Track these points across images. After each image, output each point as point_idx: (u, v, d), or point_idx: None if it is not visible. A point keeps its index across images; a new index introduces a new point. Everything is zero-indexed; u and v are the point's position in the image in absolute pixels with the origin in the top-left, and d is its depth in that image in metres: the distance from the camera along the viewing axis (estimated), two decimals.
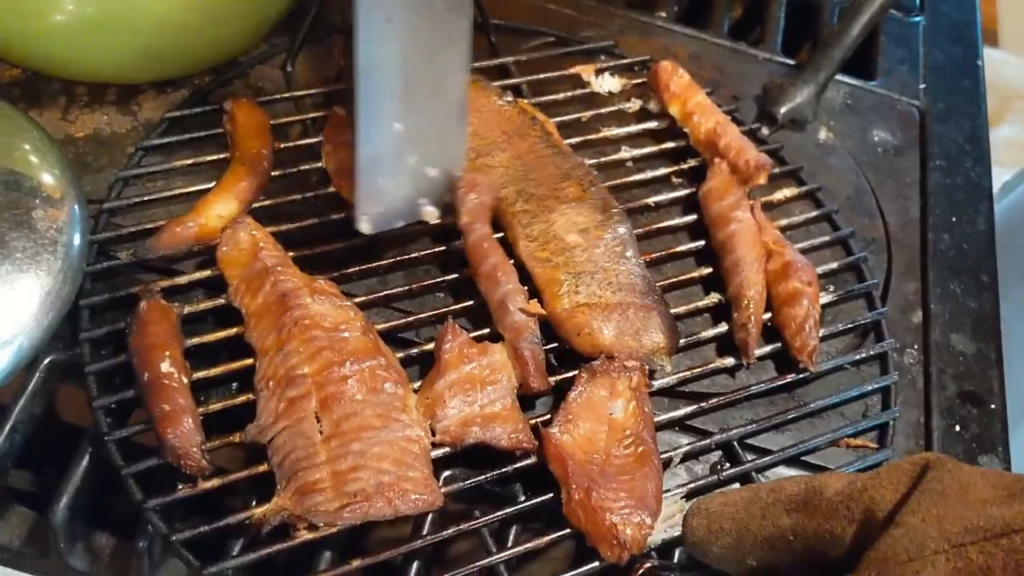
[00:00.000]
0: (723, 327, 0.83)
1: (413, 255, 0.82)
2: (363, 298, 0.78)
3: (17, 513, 0.73)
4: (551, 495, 0.71)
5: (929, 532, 0.49)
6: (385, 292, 0.79)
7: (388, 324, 0.77)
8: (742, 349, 0.81)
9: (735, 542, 0.58)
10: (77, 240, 0.73)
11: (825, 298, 0.87)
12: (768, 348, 0.83)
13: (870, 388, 0.84)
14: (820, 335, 0.83)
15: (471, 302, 0.80)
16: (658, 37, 1.07)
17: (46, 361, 0.72)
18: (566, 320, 0.78)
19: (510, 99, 0.93)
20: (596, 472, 0.70)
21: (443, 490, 0.69)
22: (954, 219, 1.01)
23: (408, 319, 0.78)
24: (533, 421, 0.73)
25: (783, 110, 1.00)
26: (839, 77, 1.07)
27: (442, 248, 0.83)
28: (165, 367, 0.69)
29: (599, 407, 0.73)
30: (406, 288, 0.80)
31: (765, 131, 0.99)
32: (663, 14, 1.12)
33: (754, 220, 0.87)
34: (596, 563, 0.68)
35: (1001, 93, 2.65)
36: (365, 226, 0.79)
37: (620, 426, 0.73)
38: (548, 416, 0.74)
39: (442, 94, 0.80)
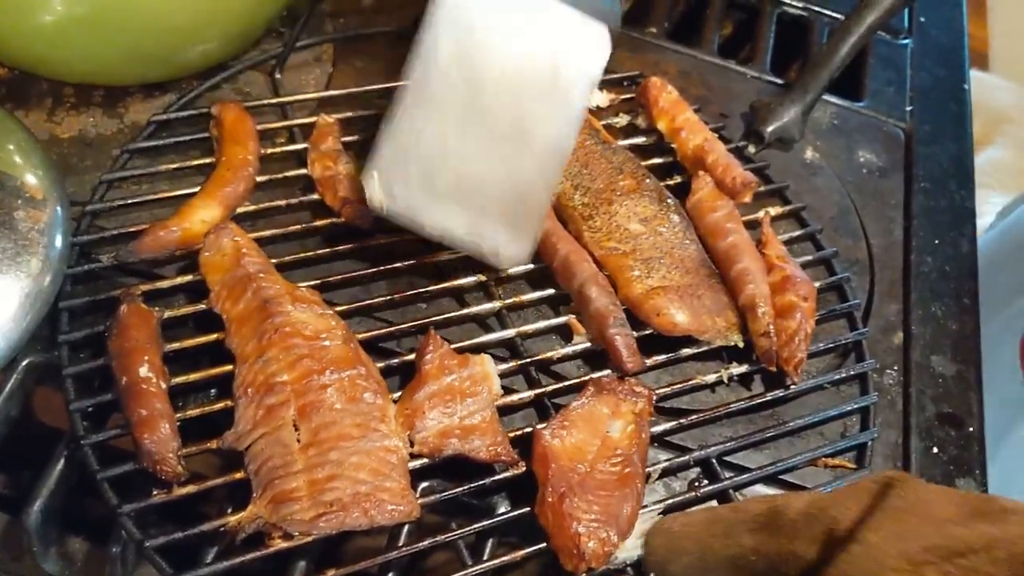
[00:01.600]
0: (704, 345, 0.83)
1: (396, 265, 0.82)
2: (345, 307, 0.77)
3: None
4: (528, 509, 0.71)
5: (888, 551, 0.50)
6: (367, 301, 0.79)
7: (370, 333, 0.77)
8: (764, 356, 0.81)
9: (698, 562, 0.59)
10: (59, 242, 0.73)
11: None
12: (749, 366, 0.83)
13: (849, 408, 0.84)
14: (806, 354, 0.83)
15: (453, 313, 0.80)
16: (648, 53, 1.07)
17: (24, 363, 0.72)
18: (643, 303, 0.81)
19: None
20: (576, 481, 0.70)
21: (420, 501, 0.68)
22: (937, 241, 1.02)
23: (390, 328, 0.78)
24: (513, 434, 0.73)
25: (770, 128, 1.00)
26: (826, 97, 1.08)
27: (427, 259, 0.83)
28: (144, 372, 0.68)
29: (598, 422, 0.74)
30: (388, 297, 0.80)
31: (752, 149, 0.99)
32: (654, 30, 1.12)
33: (746, 232, 0.88)
34: None
35: (990, 115, 2.66)
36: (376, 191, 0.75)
37: (613, 444, 0.73)
38: (529, 428, 0.74)
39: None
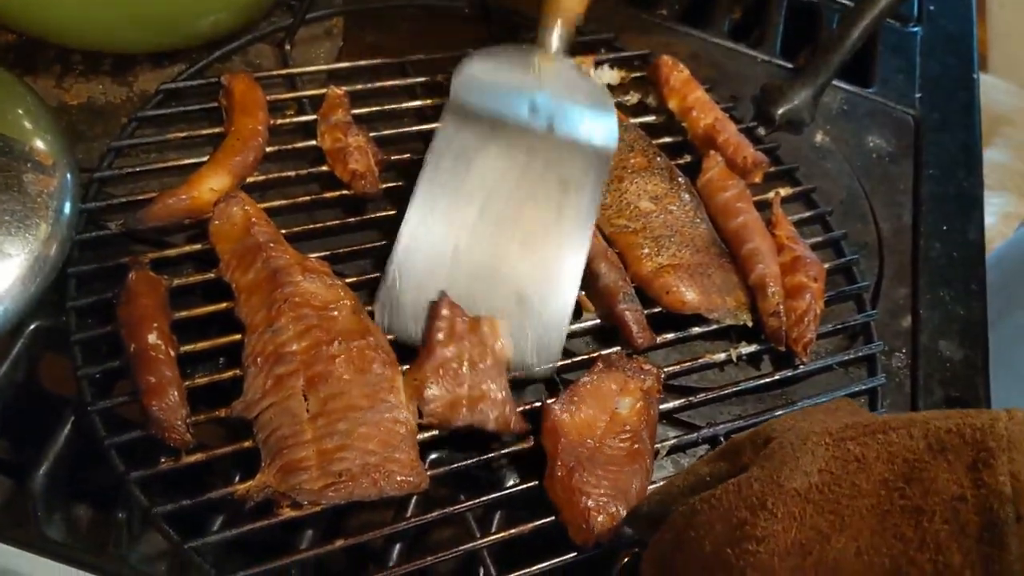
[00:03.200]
0: (713, 324, 0.82)
1: None
2: (355, 278, 0.77)
3: None
4: (536, 483, 0.70)
5: (813, 429, 0.53)
6: (376, 274, 0.78)
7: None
8: (773, 336, 0.81)
9: (661, 496, 0.61)
10: (67, 207, 0.72)
11: None
12: (758, 346, 0.83)
13: (857, 389, 0.84)
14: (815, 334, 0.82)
15: None
16: (658, 35, 1.07)
17: (31, 327, 0.72)
18: (652, 281, 0.81)
19: None
20: (585, 455, 0.70)
21: (429, 473, 0.68)
22: (945, 227, 1.02)
23: None
24: (522, 408, 0.73)
25: (780, 111, 1.00)
26: (836, 83, 1.07)
27: None
28: (152, 339, 0.68)
29: (606, 398, 0.74)
30: None
31: (762, 131, 0.99)
32: (664, 12, 1.12)
33: (756, 213, 0.88)
34: (575, 553, 0.68)
35: (990, 117, 2.66)
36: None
37: (622, 421, 0.73)
38: (538, 403, 0.73)
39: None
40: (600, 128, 0.78)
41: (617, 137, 0.82)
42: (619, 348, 0.78)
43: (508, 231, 0.78)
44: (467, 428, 0.71)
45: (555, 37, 0.76)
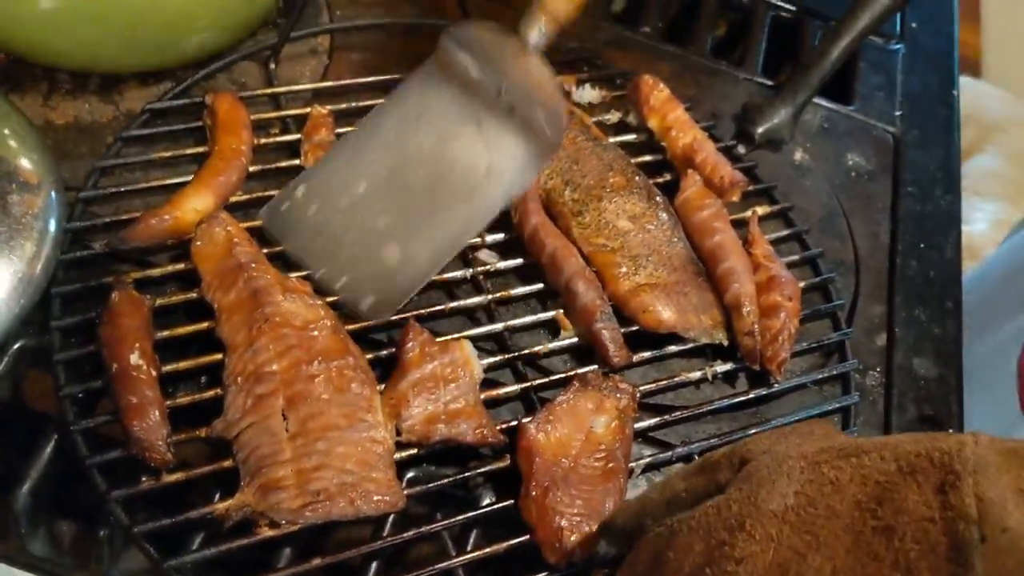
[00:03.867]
0: (689, 343, 0.84)
1: None
2: (335, 297, 0.78)
3: None
4: (512, 502, 0.72)
5: (789, 453, 0.55)
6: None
7: (359, 324, 0.77)
8: (748, 355, 0.83)
9: (636, 508, 0.63)
10: (52, 227, 0.73)
11: None
12: (733, 364, 0.84)
13: (831, 407, 0.85)
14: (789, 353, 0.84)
15: (442, 306, 0.81)
16: (641, 52, 1.08)
17: (15, 347, 0.73)
18: (629, 299, 0.83)
19: None
20: (560, 475, 0.71)
21: (406, 492, 0.69)
22: (923, 246, 1.03)
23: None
24: (498, 427, 0.74)
25: (760, 130, 1.01)
26: (816, 100, 1.08)
27: None
28: (134, 359, 0.69)
29: (582, 417, 0.75)
30: None
31: (742, 149, 1.00)
32: (647, 30, 1.13)
33: (733, 232, 0.89)
34: (547, 572, 0.70)
35: (981, 124, 2.67)
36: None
37: (597, 440, 0.74)
38: (514, 421, 0.75)
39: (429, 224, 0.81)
40: (548, 132, 0.80)
41: (559, 146, 0.85)
42: (596, 367, 0.80)
43: (415, 190, 0.80)
44: (445, 444, 0.72)
45: (535, 33, 0.79)
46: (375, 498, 0.67)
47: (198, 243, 0.76)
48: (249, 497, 0.66)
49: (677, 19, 1.18)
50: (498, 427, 0.74)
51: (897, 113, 1.15)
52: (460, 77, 0.81)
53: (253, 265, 0.75)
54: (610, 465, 0.74)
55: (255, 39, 0.94)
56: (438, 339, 0.76)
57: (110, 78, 0.89)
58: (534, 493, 0.70)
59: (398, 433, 0.71)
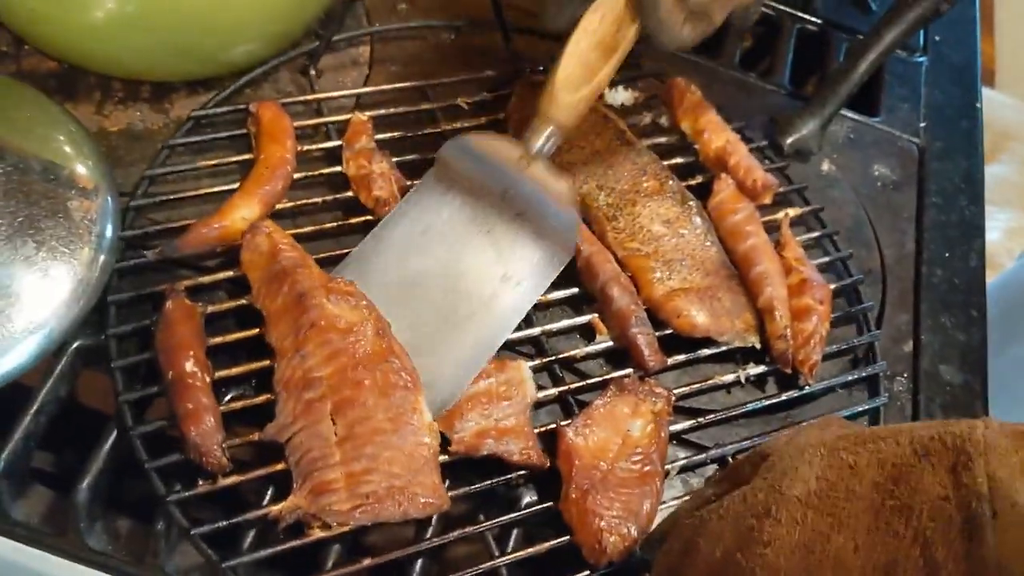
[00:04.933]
0: (722, 346, 0.85)
1: None
2: None
3: (37, 492, 0.74)
4: (551, 504, 0.74)
5: (810, 442, 0.59)
6: None
7: None
8: (780, 358, 0.84)
9: (671, 522, 0.66)
10: (109, 231, 0.75)
11: None
12: (765, 367, 0.86)
13: (859, 409, 0.87)
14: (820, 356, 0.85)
15: None
16: (669, 64, 1.09)
17: (74, 346, 0.75)
18: (664, 304, 0.84)
19: None
20: (598, 478, 0.73)
21: (449, 493, 0.71)
22: (947, 255, 1.04)
23: None
24: (538, 430, 0.77)
25: (789, 141, 1.03)
26: (843, 112, 1.10)
27: None
28: (189, 366, 0.71)
29: (619, 421, 0.77)
30: None
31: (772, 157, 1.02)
32: None
33: (766, 235, 0.90)
34: (587, 572, 0.72)
35: (996, 132, 2.68)
36: None
37: (634, 443, 0.76)
38: (553, 425, 0.77)
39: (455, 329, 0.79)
40: (561, 235, 0.80)
41: (574, 248, 0.83)
42: (631, 371, 0.81)
43: (430, 307, 0.79)
44: (492, 456, 0.74)
45: (539, 140, 0.79)
46: (421, 501, 0.69)
47: (246, 253, 0.78)
48: (302, 500, 0.68)
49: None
50: (537, 430, 0.76)
51: (922, 125, 1.16)
52: (464, 185, 0.82)
53: (298, 269, 0.76)
54: (647, 468, 0.76)
55: (298, 49, 0.96)
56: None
57: (161, 86, 0.91)
58: (573, 496, 0.72)
59: (447, 442, 0.73)
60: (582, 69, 0.77)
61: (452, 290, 0.79)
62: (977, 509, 0.48)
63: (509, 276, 0.79)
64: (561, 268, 0.82)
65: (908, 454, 0.53)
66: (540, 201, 0.80)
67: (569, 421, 0.76)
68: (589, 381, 0.81)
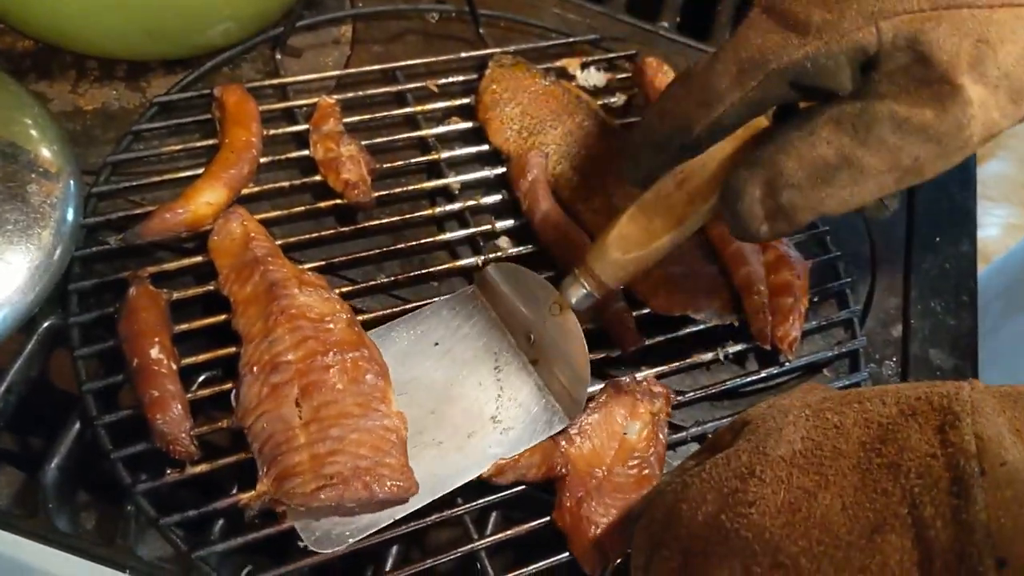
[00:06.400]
0: (701, 324, 0.84)
1: (401, 245, 0.83)
2: (349, 287, 0.79)
3: (6, 473, 0.73)
4: (548, 519, 0.72)
5: (794, 404, 0.58)
6: (374, 281, 0.80)
7: (383, 312, 0.78)
8: (759, 335, 0.83)
9: (648, 496, 0.65)
10: (70, 216, 0.73)
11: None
12: (745, 344, 0.84)
13: (841, 385, 0.86)
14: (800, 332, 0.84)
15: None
16: (659, 46, 1.08)
17: (43, 325, 0.73)
18: (641, 283, 0.83)
19: (553, 79, 0.94)
20: (593, 485, 0.71)
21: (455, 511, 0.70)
22: (938, 240, 1.03)
23: (404, 306, 0.79)
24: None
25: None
26: None
27: (433, 237, 0.85)
28: (155, 353, 0.69)
29: (615, 425, 0.75)
30: (393, 279, 0.81)
31: None
32: (665, 24, 1.12)
33: None
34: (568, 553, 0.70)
35: None
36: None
37: (631, 447, 0.74)
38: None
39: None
40: (567, 398, 0.75)
41: (574, 417, 0.76)
42: (626, 377, 0.78)
43: (413, 416, 0.73)
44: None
45: (579, 294, 0.73)
46: (388, 483, 0.66)
47: (215, 238, 0.76)
48: (267, 486, 0.66)
49: (695, 13, 1.17)
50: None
51: None
52: (491, 313, 0.79)
53: (270, 259, 0.74)
54: (644, 472, 0.74)
55: (278, 28, 0.93)
56: None
57: (137, 65, 0.90)
58: (568, 504, 0.71)
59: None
60: (640, 232, 0.71)
61: (436, 411, 0.74)
62: (965, 468, 0.47)
63: (500, 420, 0.74)
64: (554, 433, 0.74)
65: (895, 414, 0.52)
66: (558, 356, 0.75)
67: (562, 431, 0.74)
68: None
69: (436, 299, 0.80)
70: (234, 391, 0.69)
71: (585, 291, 0.73)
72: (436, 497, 0.69)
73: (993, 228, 2.47)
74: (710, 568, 0.53)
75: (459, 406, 0.74)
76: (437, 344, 0.77)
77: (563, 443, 0.73)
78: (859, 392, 0.57)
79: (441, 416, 0.74)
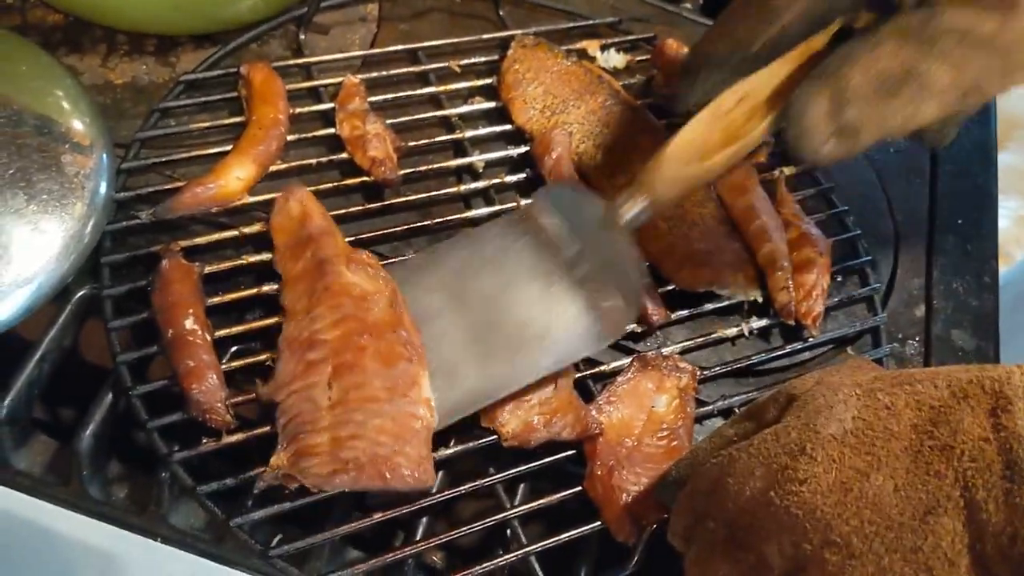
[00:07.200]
0: (725, 300, 0.84)
1: (427, 222, 0.83)
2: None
3: (40, 442, 0.73)
4: (579, 488, 0.72)
5: (844, 382, 0.58)
6: (399, 258, 0.80)
7: None
8: (783, 310, 0.83)
9: (689, 460, 0.64)
10: (103, 188, 0.73)
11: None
12: (768, 320, 0.85)
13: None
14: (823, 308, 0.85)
15: None
16: (682, 27, 1.07)
17: (77, 295, 0.74)
18: (664, 259, 0.83)
19: (575, 59, 0.95)
20: (624, 455, 0.72)
21: (454, 450, 0.70)
22: (960, 221, 1.03)
23: None
24: None
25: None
26: None
27: (461, 215, 0.85)
28: (189, 324, 0.69)
29: (643, 397, 0.75)
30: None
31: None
32: (688, 5, 1.13)
33: (763, 191, 0.89)
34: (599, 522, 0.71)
35: (1004, 121, 2.66)
36: None
37: (659, 419, 0.75)
38: None
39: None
40: (614, 316, 0.74)
41: (621, 333, 0.77)
42: (653, 351, 0.79)
43: (460, 330, 0.75)
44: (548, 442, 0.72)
45: (633, 210, 0.72)
46: (404, 472, 0.66)
47: (275, 216, 0.77)
48: (282, 460, 0.66)
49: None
50: None
51: None
52: (545, 232, 0.77)
53: (323, 237, 0.75)
54: (673, 443, 0.74)
55: (302, 7, 0.94)
56: None
57: (167, 40, 0.90)
58: (599, 473, 0.71)
59: (502, 439, 0.71)
60: (697, 147, 0.70)
61: (487, 324, 0.74)
62: (1018, 452, 0.48)
63: (546, 335, 0.74)
64: (601, 349, 0.76)
65: (946, 396, 0.52)
66: (608, 274, 0.74)
67: (592, 401, 0.75)
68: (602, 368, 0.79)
69: (485, 225, 0.80)
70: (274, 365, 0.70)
71: (640, 207, 0.72)
72: (488, 403, 0.71)
73: (1005, 220, 2.46)
74: (758, 542, 0.53)
75: (510, 320, 0.75)
76: (492, 258, 0.77)
77: (593, 411, 0.73)
78: (910, 373, 0.57)
79: (492, 329, 0.74)
